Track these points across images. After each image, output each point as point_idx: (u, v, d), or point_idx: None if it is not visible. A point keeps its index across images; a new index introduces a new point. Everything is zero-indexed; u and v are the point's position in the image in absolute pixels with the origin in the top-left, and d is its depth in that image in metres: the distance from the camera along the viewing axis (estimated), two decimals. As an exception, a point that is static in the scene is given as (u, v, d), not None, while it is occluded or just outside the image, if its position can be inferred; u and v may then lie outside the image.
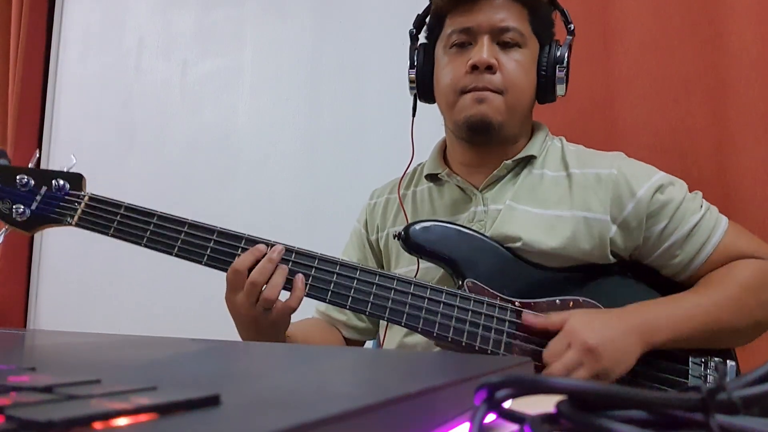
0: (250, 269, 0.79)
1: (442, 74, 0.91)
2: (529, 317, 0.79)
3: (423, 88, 0.95)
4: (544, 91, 0.91)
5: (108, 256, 2.00)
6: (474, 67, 0.86)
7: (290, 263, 0.81)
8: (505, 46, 0.87)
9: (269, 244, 0.81)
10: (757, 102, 1.04)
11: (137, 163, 2.02)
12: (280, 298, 0.80)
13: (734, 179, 1.06)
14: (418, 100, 0.97)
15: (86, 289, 2.05)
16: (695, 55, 1.11)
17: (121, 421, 0.18)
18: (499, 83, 0.86)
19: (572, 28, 0.93)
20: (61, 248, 2.15)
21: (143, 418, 0.19)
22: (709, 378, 0.80)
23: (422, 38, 0.98)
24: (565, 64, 0.89)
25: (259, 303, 0.78)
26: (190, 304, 1.76)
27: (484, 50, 0.85)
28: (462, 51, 0.89)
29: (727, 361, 0.82)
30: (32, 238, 2.19)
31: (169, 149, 1.98)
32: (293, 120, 1.79)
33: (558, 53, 0.90)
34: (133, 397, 0.20)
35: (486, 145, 0.92)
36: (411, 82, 0.95)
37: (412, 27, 0.97)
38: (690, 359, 0.81)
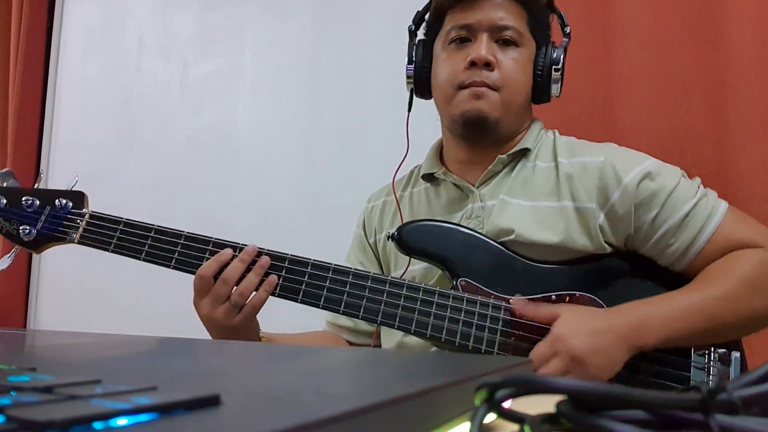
0: (216, 275, 0.81)
1: (440, 69, 0.92)
2: (519, 304, 0.79)
3: (420, 83, 0.96)
4: (540, 91, 0.92)
5: (108, 256, 2.00)
6: (473, 63, 0.87)
7: (284, 270, 0.82)
8: (504, 44, 0.89)
9: (238, 248, 0.83)
10: (757, 102, 1.04)
11: (137, 163, 2.02)
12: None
13: (734, 179, 1.06)
14: (414, 96, 0.98)
15: (86, 289, 2.05)
16: (695, 56, 1.11)
17: (121, 421, 0.18)
18: (496, 80, 0.87)
19: (568, 31, 0.94)
20: (62, 248, 2.15)
21: (143, 418, 0.19)
22: (713, 369, 0.79)
23: (420, 35, 0.99)
24: (560, 66, 0.91)
25: (231, 301, 0.80)
26: (190, 304, 1.75)
27: (482, 47, 0.87)
28: (461, 47, 0.90)
29: (732, 352, 0.80)
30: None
31: (169, 149, 1.98)
32: (293, 120, 1.78)
33: (554, 55, 0.91)
34: (133, 397, 0.20)
35: (481, 142, 0.92)
36: (408, 77, 0.96)
37: (411, 23, 0.98)
38: (693, 350, 0.79)
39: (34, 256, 2.19)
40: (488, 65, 0.86)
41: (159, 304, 1.86)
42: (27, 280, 2.18)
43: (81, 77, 2.21)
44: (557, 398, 0.25)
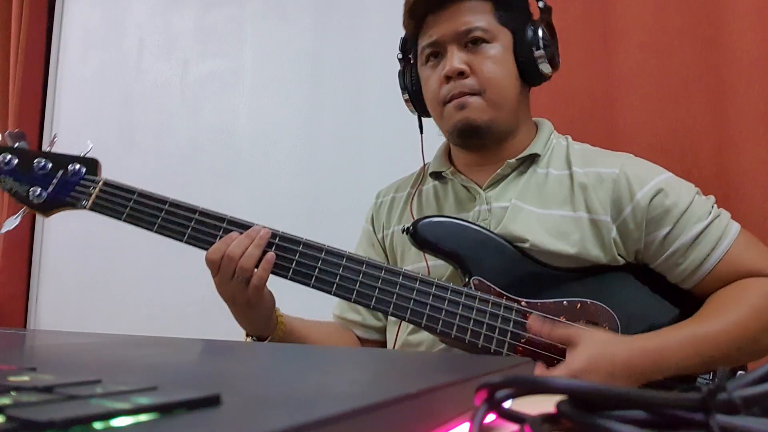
0: (224, 256, 0.81)
1: (426, 90, 0.94)
2: (536, 324, 0.78)
3: (418, 106, 0.98)
4: (530, 74, 0.91)
5: (108, 256, 2.00)
6: (448, 77, 0.88)
7: (297, 254, 0.82)
8: (474, 44, 0.89)
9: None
10: (757, 102, 1.04)
11: (137, 163, 2.02)
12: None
13: (734, 179, 1.06)
14: (422, 117, 1.00)
15: (86, 289, 2.05)
16: (695, 56, 1.11)
17: (121, 421, 0.18)
18: (474, 85, 0.88)
19: (542, 5, 0.92)
20: (62, 248, 2.15)
21: (143, 418, 0.19)
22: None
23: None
24: (541, 44, 0.89)
25: (236, 274, 0.80)
26: (190, 303, 1.76)
27: (452, 59, 0.88)
28: (436, 63, 0.92)
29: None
30: (32, 238, 2.19)
31: (169, 149, 1.98)
32: (293, 120, 1.79)
33: (531, 35, 0.89)
34: (133, 397, 0.20)
35: (482, 147, 0.92)
36: (406, 102, 0.99)
37: (398, 51, 1.00)
38: None
39: (35, 256, 2.19)
40: (462, 74, 0.87)
41: (159, 304, 1.86)
42: (27, 280, 2.18)
43: (81, 77, 2.21)
44: (557, 398, 0.25)
